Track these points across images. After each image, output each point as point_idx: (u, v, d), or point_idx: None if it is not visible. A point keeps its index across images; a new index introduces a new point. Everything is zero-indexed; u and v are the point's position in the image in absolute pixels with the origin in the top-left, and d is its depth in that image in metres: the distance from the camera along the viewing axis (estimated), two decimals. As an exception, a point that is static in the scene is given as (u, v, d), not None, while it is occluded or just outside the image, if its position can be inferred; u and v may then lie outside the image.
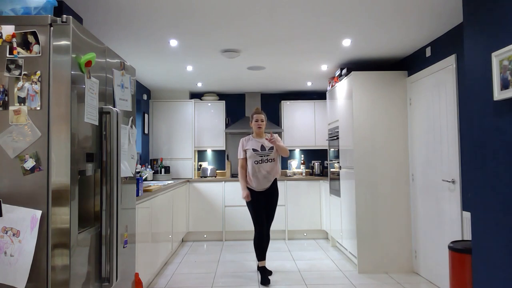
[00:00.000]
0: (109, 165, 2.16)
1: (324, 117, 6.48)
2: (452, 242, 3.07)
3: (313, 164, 6.63)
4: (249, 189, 4.19)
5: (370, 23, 3.47)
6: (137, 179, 3.27)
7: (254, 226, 4.18)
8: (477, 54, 2.43)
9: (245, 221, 5.93)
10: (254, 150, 4.17)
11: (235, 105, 6.89)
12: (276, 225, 5.75)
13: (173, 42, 3.93)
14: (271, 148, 4.18)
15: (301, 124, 6.56)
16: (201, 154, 6.90)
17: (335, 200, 5.31)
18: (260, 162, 4.14)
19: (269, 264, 4.65)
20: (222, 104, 6.59)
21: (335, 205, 5.32)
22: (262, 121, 4.27)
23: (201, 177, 6.43)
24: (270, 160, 4.17)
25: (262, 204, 4.18)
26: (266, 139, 4.16)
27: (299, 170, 6.70)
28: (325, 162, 6.68)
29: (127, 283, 2.51)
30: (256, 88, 6.47)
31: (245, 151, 4.22)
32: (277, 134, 4.27)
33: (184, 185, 5.88)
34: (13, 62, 1.82)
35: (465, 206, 3.38)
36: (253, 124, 4.30)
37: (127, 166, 2.47)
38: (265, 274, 4.10)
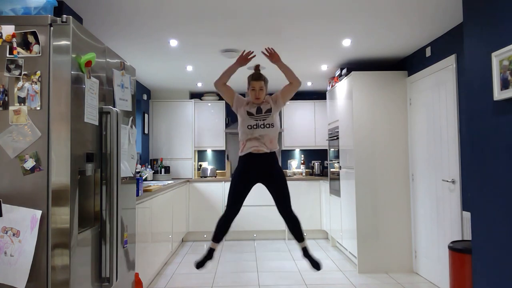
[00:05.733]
0: (109, 165, 2.16)
1: (324, 117, 6.48)
2: (452, 242, 3.07)
3: (313, 164, 6.63)
4: (239, 158, 3.33)
5: (370, 23, 3.47)
6: (137, 179, 3.27)
7: (227, 205, 3.30)
8: (477, 54, 2.43)
9: (245, 221, 5.93)
10: (248, 113, 3.27)
11: (235, 105, 6.87)
12: (275, 225, 5.76)
13: (173, 42, 3.93)
14: (269, 110, 3.27)
15: (301, 124, 6.56)
16: (201, 154, 6.90)
17: (335, 200, 5.31)
18: (255, 127, 3.25)
19: (269, 264, 4.64)
20: (222, 104, 6.59)
21: (335, 205, 5.32)
22: (261, 90, 3.26)
23: (201, 177, 6.43)
24: (267, 126, 3.24)
25: (249, 181, 3.28)
26: (264, 53, 3.19)
27: (299, 170, 6.70)
28: (325, 162, 6.68)
29: (127, 283, 2.51)
30: (256, 88, 6.46)
31: (236, 108, 3.33)
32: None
33: (184, 185, 5.88)
34: (13, 62, 1.81)
35: (465, 206, 3.38)
36: (250, 92, 3.30)
37: (127, 166, 2.47)
38: (208, 256, 3.36)
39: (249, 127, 3.26)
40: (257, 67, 3.41)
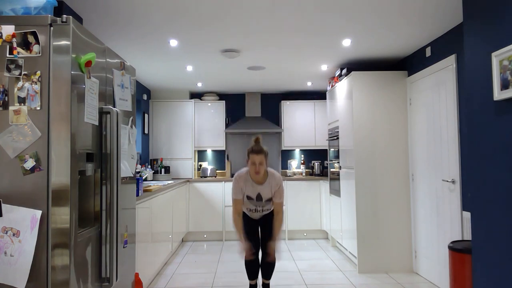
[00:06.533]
0: (109, 165, 2.16)
1: (324, 117, 6.48)
2: (452, 242, 3.07)
3: (313, 164, 6.63)
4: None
5: (370, 23, 3.47)
6: (137, 179, 3.27)
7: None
8: (477, 54, 2.43)
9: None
10: (248, 198, 3.33)
11: (235, 105, 6.89)
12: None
13: (173, 42, 3.93)
14: (269, 200, 3.34)
15: (301, 124, 6.56)
16: (201, 154, 6.90)
17: (335, 200, 5.31)
18: (254, 211, 3.40)
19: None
20: (222, 104, 6.59)
21: (335, 205, 5.32)
22: (261, 165, 3.16)
23: (201, 177, 6.43)
24: (265, 211, 3.40)
25: (256, 221, 3.49)
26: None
27: (299, 170, 6.70)
28: (325, 162, 6.68)
29: (127, 283, 2.51)
30: (256, 88, 6.47)
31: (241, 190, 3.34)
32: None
33: (184, 185, 5.88)
34: (13, 62, 1.81)
35: (465, 206, 3.38)
36: (249, 165, 3.21)
37: (127, 166, 2.47)
38: None
39: (249, 210, 3.43)
40: (257, 139, 3.27)
